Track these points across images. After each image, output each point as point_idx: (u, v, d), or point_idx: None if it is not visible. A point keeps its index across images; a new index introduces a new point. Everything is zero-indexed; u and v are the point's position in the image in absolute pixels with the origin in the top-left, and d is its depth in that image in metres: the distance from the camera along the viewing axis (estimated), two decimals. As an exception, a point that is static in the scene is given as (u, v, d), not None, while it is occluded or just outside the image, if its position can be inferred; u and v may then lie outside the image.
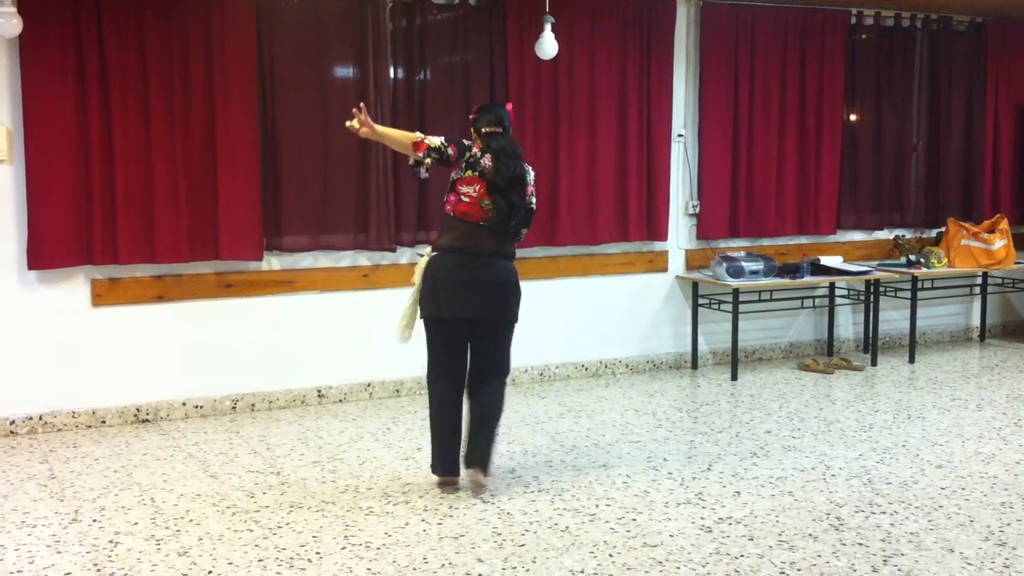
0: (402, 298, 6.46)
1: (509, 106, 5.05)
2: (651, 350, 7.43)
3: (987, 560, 3.98)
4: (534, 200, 4.84)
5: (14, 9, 5.23)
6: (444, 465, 4.79)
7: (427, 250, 4.85)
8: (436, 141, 4.68)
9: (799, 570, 3.89)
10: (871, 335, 7.74)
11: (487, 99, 6.58)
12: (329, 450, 5.47)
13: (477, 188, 4.66)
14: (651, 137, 7.13)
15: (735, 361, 7.15)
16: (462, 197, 4.69)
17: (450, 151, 4.68)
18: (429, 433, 4.85)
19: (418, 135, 4.70)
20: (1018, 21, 8.28)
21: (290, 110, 6.14)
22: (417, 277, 4.80)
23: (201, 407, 6.15)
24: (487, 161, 4.68)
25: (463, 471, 4.80)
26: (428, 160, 4.67)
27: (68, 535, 4.25)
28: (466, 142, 4.77)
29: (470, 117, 4.92)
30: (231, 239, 6.01)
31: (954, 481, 4.92)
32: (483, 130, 4.79)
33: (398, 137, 4.73)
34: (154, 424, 5.99)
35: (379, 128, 4.69)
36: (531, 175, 4.81)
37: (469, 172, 4.69)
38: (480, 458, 4.76)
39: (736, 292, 7.05)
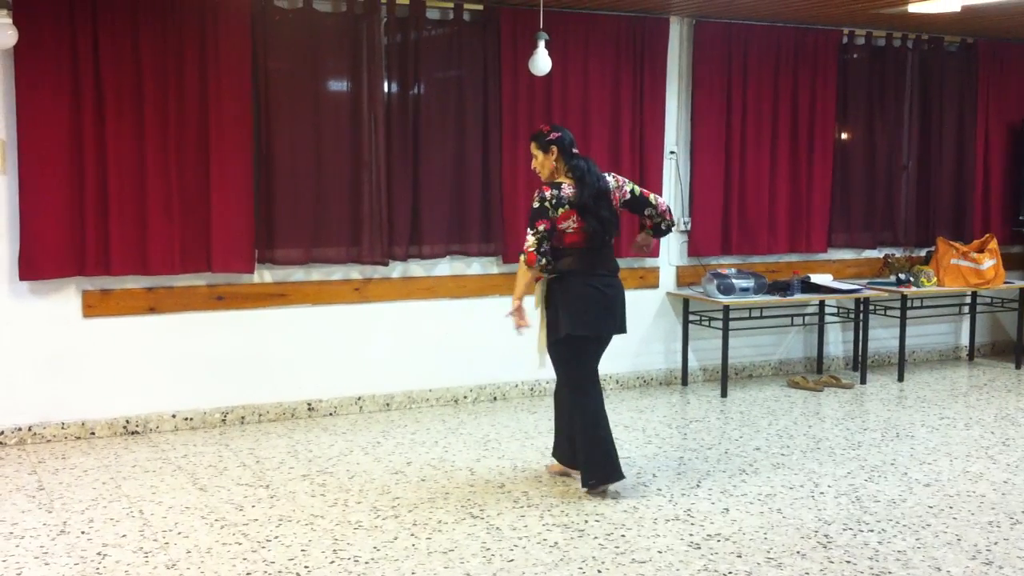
0: (395, 312, 6.57)
1: None
2: (641, 366, 7.44)
3: (974, 579, 4.00)
4: (636, 189, 5.05)
5: (9, 20, 5.23)
6: (618, 470, 4.95)
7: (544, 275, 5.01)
8: (532, 240, 4.80)
9: (787, 587, 3.90)
10: (860, 353, 7.76)
11: (481, 114, 6.62)
12: (319, 463, 5.46)
13: (575, 218, 4.85)
14: (643, 153, 7.15)
15: (725, 378, 7.17)
16: (566, 231, 4.87)
17: (544, 228, 4.80)
18: (592, 448, 4.90)
19: (522, 258, 4.84)
20: (1008, 42, 8.34)
21: (284, 123, 6.15)
22: (538, 300, 5.00)
23: (191, 419, 6.15)
24: (568, 190, 4.85)
25: (558, 467, 5.22)
26: (544, 258, 4.83)
27: (56, 547, 4.25)
28: (545, 200, 4.81)
29: (554, 137, 4.91)
30: (223, 251, 6.01)
31: (942, 500, 4.94)
32: (574, 151, 4.95)
33: (523, 286, 4.92)
34: (143, 436, 5.98)
35: (519, 303, 4.92)
36: (612, 182, 4.98)
37: (561, 209, 4.83)
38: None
39: (726, 309, 7.07)
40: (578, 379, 4.98)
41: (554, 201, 4.81)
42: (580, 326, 4.87)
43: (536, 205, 4.83)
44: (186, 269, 5.98)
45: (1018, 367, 8.23)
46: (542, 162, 4.95)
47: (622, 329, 5.06)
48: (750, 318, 7.45)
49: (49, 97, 5.57)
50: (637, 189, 5.04)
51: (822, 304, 7.88)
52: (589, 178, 4.86)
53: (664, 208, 5.08)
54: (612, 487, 4.98)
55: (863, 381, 7.62)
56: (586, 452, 4.93)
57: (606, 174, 4.99)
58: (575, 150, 4.97)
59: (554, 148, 4.91)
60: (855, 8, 6.84)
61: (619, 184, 4.99)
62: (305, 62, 6.20)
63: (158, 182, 5.83)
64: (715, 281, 7.10)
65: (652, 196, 5.07)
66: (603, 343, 5.05)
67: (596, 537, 4.40)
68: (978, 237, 8.18)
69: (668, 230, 5.17)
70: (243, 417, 6.27)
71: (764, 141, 7.53)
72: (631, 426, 6.29)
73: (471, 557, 4.17)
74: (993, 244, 7.98)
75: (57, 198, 5.64)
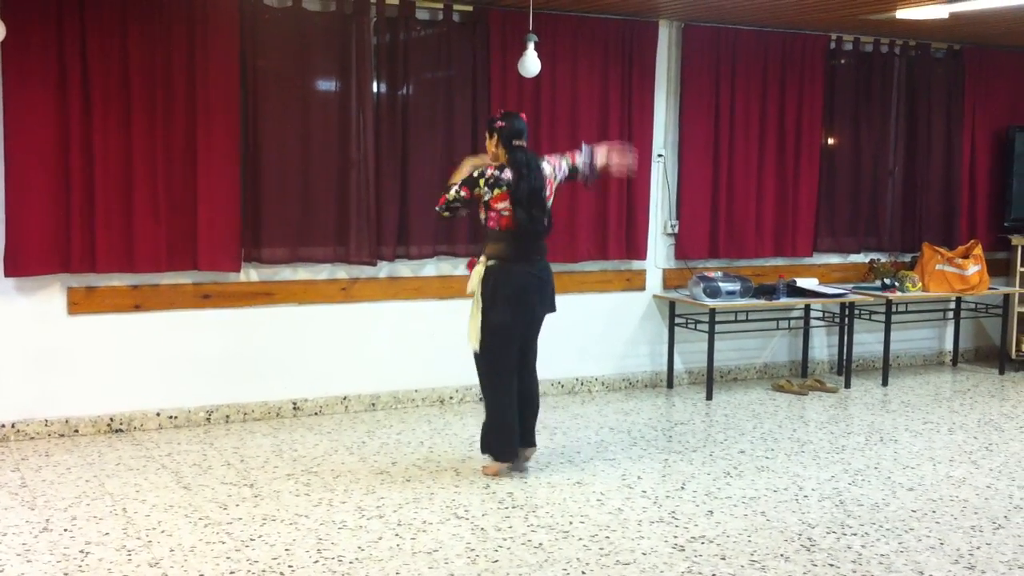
0: (381, 312, 6.56)
1: (523, 116, 5.30)
2: (627, 368, 7.45)
3: (956, 583, 4.02)
4: (566, 163, 5.32)
5: (-3, 15, 5.22)
6: (516, 450, 5.26)
7: (481, 259, 5.16)
8: (452, 193, 5.07)
9: (770, 590, 3.91)
10: (845, 357, 7.79)
11: (470, 116, 6.62)
12: (303, 463, 5.45)
13: (509, 202, 5.04)
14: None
15: (710, 381, 7.18)
16: (501, 212, 5.06)
17: (463, 194, 5.06)
18: (496, 428, 5.19)
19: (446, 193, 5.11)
20: (995, 48, 8.38)
21: (272, 122, 6.14)
22: (475, 287, 5.11)
23: (175, 418, 6.13)
24: (508, 175, 5.03)
25: (522, 452, 5.34)
26: (447, 213, 5.11)
27: (39, 544, 4.23)
28: (484, 176, 5.06)
29: (498, 125, 5.13)
30: (210, 249, 5.99)
31: (925, 504, 4.96)
32: (513, 142, 5.09)
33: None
34: (127, 434, 5.96)
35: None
36: (547, 169, 5.21)
37: (497, 190, 5.03)
38: (532, 437, 5.37)
39: (712, 312, 7.08)
40: (500, 364, 5.14)
41: (492, 181, 5.02)
42: (499, 315, 5.05)
43: (474, 174, 5.06)
44: (172, 267, 5.96)
45: (1001, 373, 8.27)
46: (488, 145, 5.20)
47: (552, 308, 5.28)
48: (736, 321, 7.47)
49: (36, 93, 5.55)
50: (567, 163, 5.29)
51: (807, 308, 7.91)
52: (526, 171, 5.04)
53: (576, 162, 5.30)
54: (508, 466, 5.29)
55: (847, 385, 7.64)
56: (495, 435, 5.23)
57: (542, 161, 5.19)
58: (516, 142, 5.11)
59: (495, 135, 5.13)
60: (843, 14, 6.87)
61: (554, 168, 5.23)
62: (294, 61, 6.18)
63: (145, 179, 5.81)
64: (701, 284, 7.12)
65: (576, 158, 5.31)
66: (536, 325, 5.26)
67: (581, 538, 4.40)
68: (963, 243, 8.20)
69: (588, 172, 5.34)
70: (228, 416, 6.25)
71: (751, 145, 7.55)
72: (616, 428, 6.30)
73: (456, 558, 4.17)
74: (978, 250, 8.01)
75: (43, 194, 5.62)
